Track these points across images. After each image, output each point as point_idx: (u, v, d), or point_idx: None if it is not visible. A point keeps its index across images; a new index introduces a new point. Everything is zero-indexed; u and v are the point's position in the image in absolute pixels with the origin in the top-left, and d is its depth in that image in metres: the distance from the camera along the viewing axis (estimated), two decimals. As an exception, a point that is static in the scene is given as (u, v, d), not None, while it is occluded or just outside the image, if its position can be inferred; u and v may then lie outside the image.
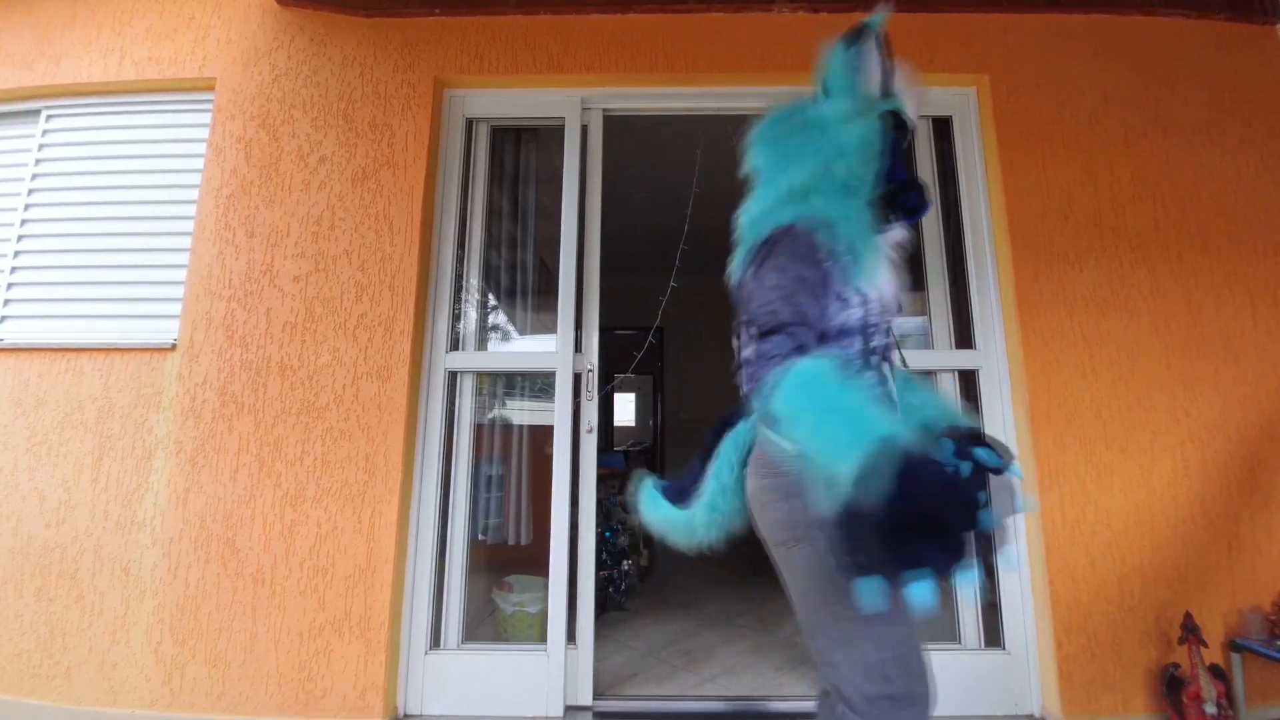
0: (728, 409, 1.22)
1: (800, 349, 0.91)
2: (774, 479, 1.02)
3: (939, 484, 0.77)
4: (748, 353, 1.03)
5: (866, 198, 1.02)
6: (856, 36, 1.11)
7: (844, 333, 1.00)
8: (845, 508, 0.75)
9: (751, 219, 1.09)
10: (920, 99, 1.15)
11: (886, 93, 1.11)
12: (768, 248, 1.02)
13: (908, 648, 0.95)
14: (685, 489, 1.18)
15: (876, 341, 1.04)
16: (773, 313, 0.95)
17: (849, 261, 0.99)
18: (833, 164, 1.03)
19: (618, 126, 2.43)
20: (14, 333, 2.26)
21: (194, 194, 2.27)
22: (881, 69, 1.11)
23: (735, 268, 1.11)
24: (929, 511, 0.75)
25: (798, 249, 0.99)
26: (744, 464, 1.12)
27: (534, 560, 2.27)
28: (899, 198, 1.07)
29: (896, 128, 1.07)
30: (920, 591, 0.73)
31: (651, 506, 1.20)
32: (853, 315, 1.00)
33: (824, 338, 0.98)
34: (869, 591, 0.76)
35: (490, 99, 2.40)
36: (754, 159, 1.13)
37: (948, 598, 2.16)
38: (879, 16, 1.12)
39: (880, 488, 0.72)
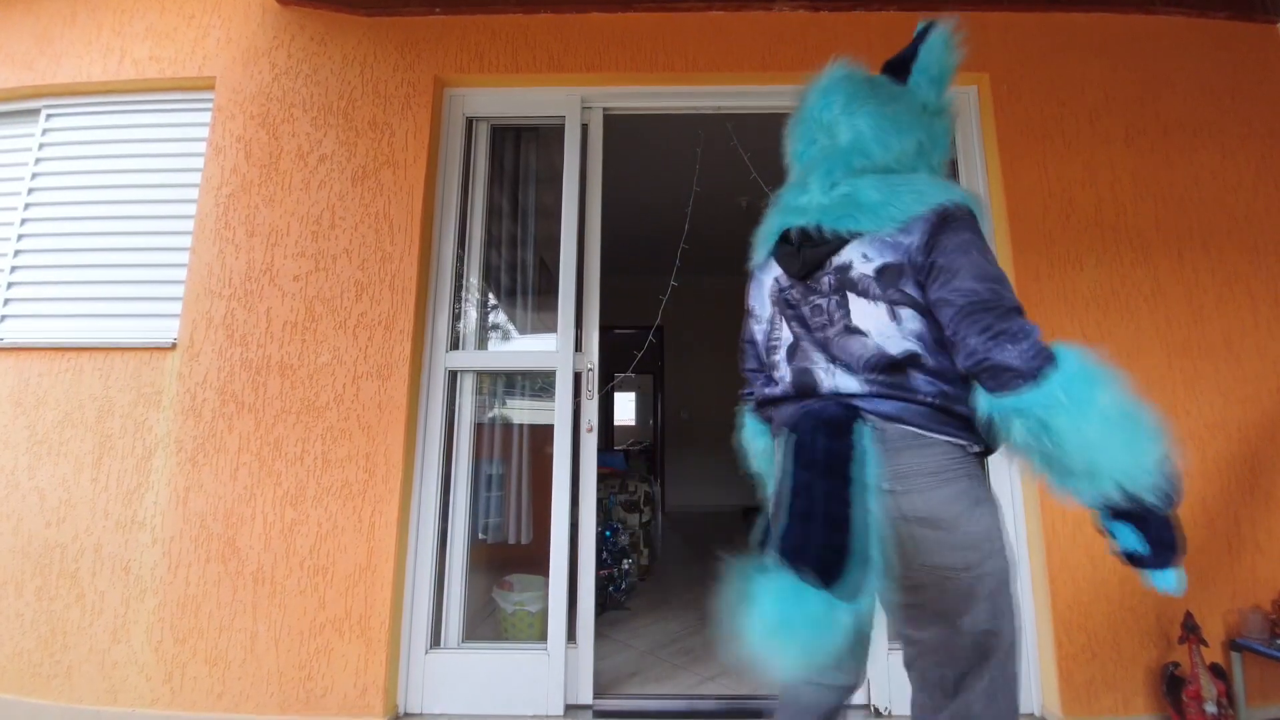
0: (815, 409, 0.93)
1: (1039, 332, 0.84)
2: (961, 484, 0.87)
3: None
4: (924, 355, 0.89)
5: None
6: (924, 33, 1.08)
7: None
8: (1162, 503, 0.79)
9: (873, 184, 0.96)
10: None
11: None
12: (954, 221, 0.91)
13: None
14: (824, 554, 0.79)
15: None
16: (998, 291, 0.86)
17: None
18: (927, 148, 1.02)
19: (618, 125, 2.42)
20: (14, 332, 2.26)
21: (194, 193, 2.27)
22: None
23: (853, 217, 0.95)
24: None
25: (980, 232, 0.93)
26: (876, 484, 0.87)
27: (534, 559, 2.27)
28: None
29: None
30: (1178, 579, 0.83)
31: (797, 613, 0.75)
32: None
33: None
34: (1183, 581, 0.84)
35: (490, 98, 2.40)
36: (856, 110, 1.01)
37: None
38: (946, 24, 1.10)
39: (1174, 487, 0.79)
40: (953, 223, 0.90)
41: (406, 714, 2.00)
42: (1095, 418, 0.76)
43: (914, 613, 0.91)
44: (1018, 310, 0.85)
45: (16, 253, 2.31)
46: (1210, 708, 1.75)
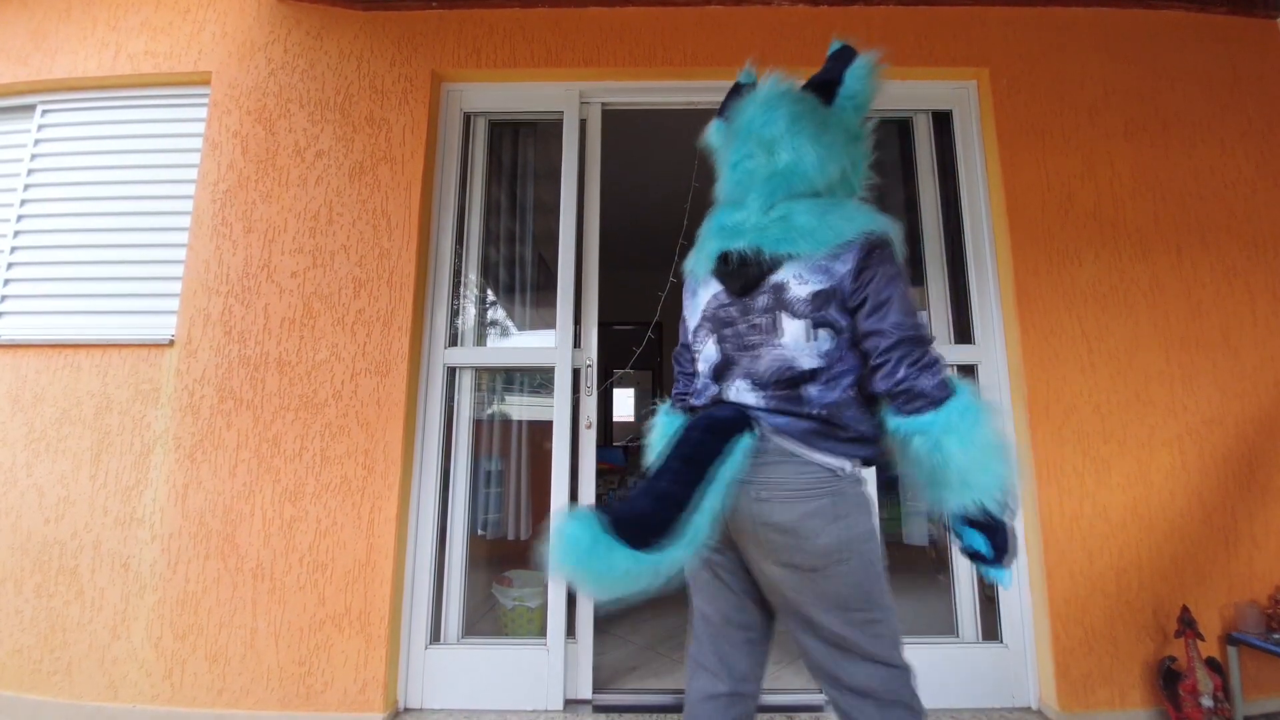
0: (717, 413, 1.02)
1: (946, 375, 0.96)
2: (820, 502, 0.96)
3: None
4: (831, 373, 0.99)
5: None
6: (873, 57, 1.12)
7: None
8: (1006, 517, 0.94)
9: (809, 209, 1.01)
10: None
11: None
12: (875, 251, 0.98)
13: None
14: (651, 522, 0.89)
15: None
16: (921, 326, 0.98)
17: None
18: (849, 174, 1.07)
19: (616, 121, 2.42)
20: (12, 329, 2.25)
21: (190, 189, 2.26)
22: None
23: (776, 245, 1.02)
24: None
25: (900, 264, 1.02)
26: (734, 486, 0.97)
27: (534, 555, 2.27)
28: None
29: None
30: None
31: (599, 556, 0.85)
32: None
33: None
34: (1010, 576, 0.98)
35: (488, 93, 2.39)
36: (799, 132, 1.04)
37: (944, 593, 2.17)
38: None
39: (1015, 505, 0.95)
40: (879, 252, 0.98)
41: (406, 709, 2.00)
42: (975, 443, 0.90)
43: (779, 606, 1.05)
44: (932, 341, 0.98)
45: (13, 249, 2.31)
46: (1206, 701, 1.76)
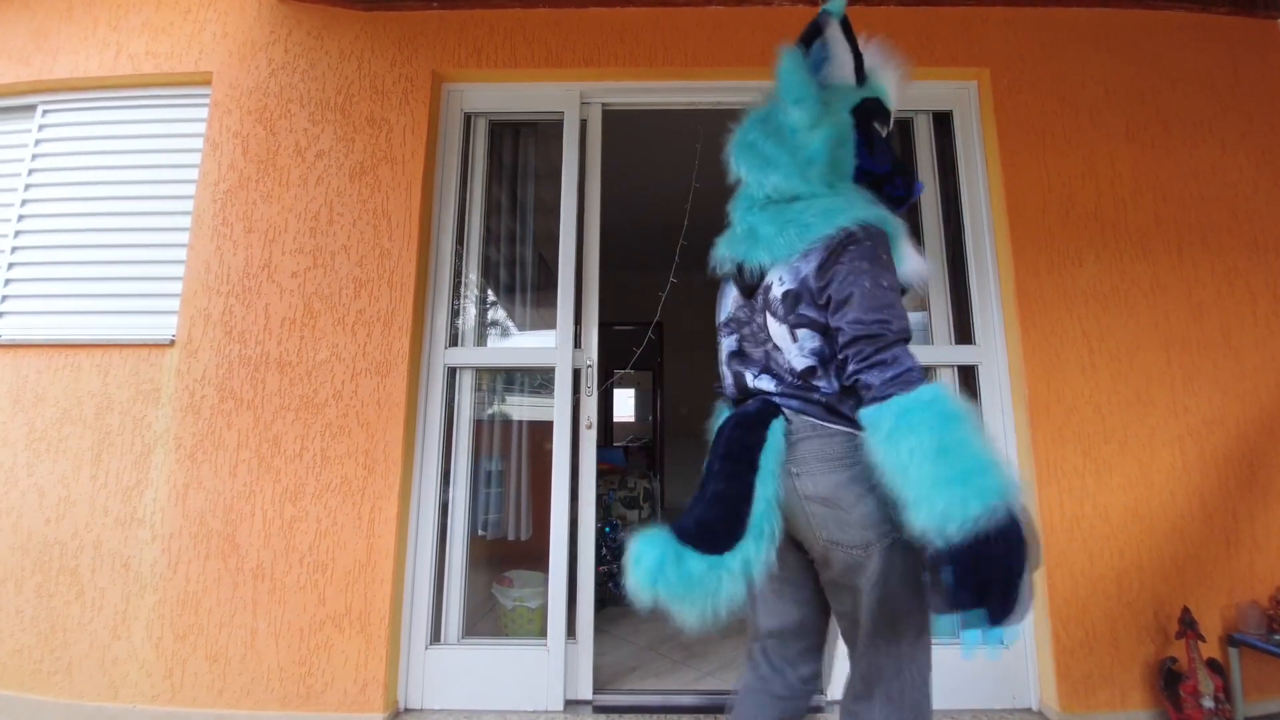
0: (746, 409, 1.03)
1: (917, 369, 0.89)
2: (852, 471, 0.93)
3: (1029, 544, 0.80)
4: (834, 358, 0.97)
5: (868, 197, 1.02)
6: (815, 32, 1.12)
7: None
8: (967, 547, 0.77)
9: (766, 218, 1.04)
10: (901, 77, 1.13)
11: (861, 78, 1.12)
12: (853, 246, 0.94)
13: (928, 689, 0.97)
14: (712, 524, 0.91)
15: None
16: (885, 323, 0.90)
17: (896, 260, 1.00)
18: (806, 171, 1.02)
19: (617, 121, 2.42)
20: (12, 329, 2.25)
21: (191, 189, 2.26)
22: (853, 55, 1.12)
23: (757, 264, 1.05)
24: (1022, 566, 0.79)
25: (884, 252, 0.96)
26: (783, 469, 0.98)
27: (534, 555, 2.27)
28: (885, 188, 1.07)
29: (874, 114, 1.08)
30: (1013, 635, 0.79)
31: (673, 568, 0.86)
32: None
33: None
34: (976, 622, 0.79)
35: (488, 93, 2.39)
36: (736, 163, 1.10)
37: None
38: (836, 9, 1.11)
39: (1004, 538, 0.76)
40: (851, 247, 0.94)
41: (407, 709, 2.00)
42: (908, 449, 0.80)
43: (829, 587, 1.02)
44: (899, 342, 0.91)
45: (14, 249, 2.31)
46: (1207, 703, 1.76)
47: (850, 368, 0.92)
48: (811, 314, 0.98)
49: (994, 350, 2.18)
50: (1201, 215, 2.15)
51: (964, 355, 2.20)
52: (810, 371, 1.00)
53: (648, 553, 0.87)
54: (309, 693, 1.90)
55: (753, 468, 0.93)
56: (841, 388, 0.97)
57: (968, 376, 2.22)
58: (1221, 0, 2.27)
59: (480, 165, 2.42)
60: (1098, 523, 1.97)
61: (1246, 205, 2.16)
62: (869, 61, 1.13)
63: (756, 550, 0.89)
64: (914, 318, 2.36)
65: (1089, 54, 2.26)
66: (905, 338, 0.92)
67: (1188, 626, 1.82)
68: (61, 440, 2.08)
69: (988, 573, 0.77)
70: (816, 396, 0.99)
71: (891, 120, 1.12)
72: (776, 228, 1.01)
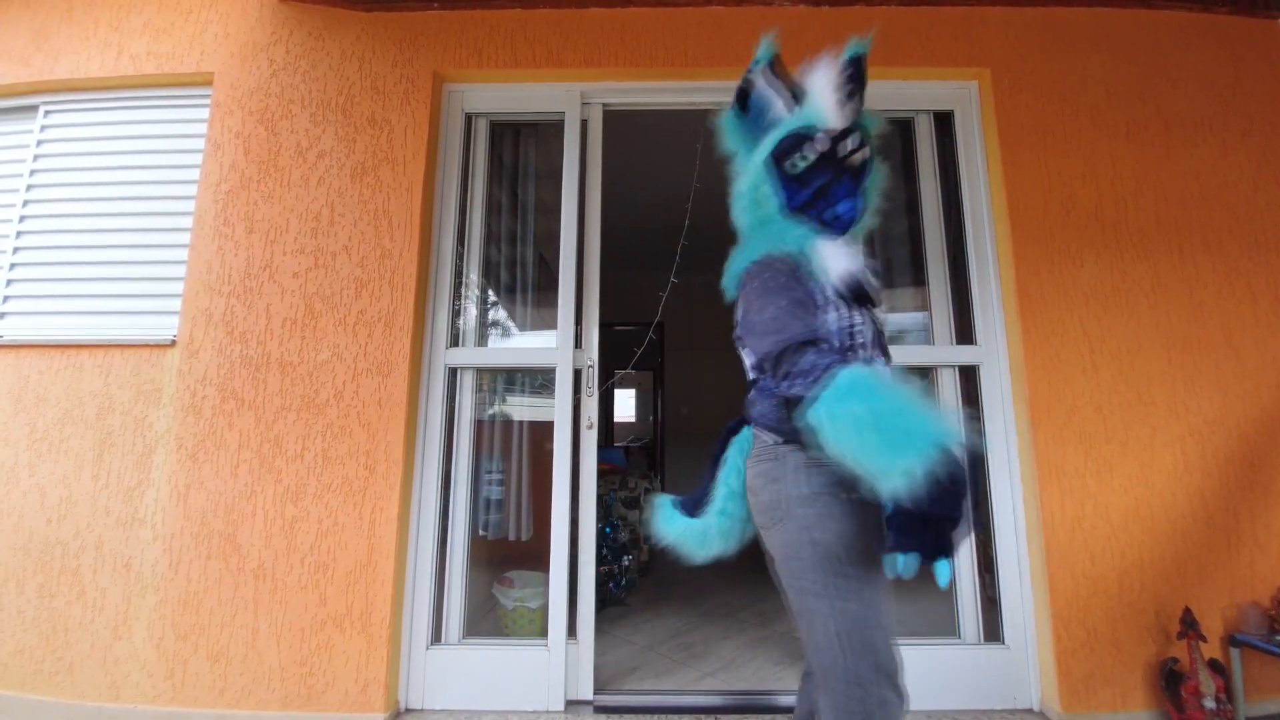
0: (734, 418, 1.30)
1: (835, 361, 0.95)
2: (761, 465, 1.12)
3: (966, 485, 0.88)
4: (762, 379, 1.14)
5: (789, 226, 1.12)
6: (744, 91, 1.22)
7: (838, 337, 1.07)
8: (907, 499, 0.84)
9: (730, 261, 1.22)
10: (832, 80, 1.11)
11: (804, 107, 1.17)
12: (750, 281, 1.09)
13: (878, 630, 1.00)
14: (699, 500, 1.27)
15: (861, 339, 1.09)
16: (780, 341, 1.01)
17: (819, 273, 1.07)
18: (744, 215, 1.19)
19: (617, 121, 2.42)
20: (14, 329, 2.26)
21: (193, 189, 2.27)
22: (788, 90, 1.17)
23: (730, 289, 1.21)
24: (959, 506, 0.87)
25: (779, 276, 1.06)
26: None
27: (534, 555, 2.27)
28: (810, 214, 1.13)
29: (787, 153, 1.12)
30: (947, 571, 0.90)
31: (667, 521, 1.26)
32: (831, 321, 1.06)
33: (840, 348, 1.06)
34: (909, 567, 0.88)
35: (489, 94, 2.39)
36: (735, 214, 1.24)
37: (946, 594, 2.16)
38: (762, 57, 1.19)
39: (938, 484, 0.83)
40: (750, 282, 1.10)
41: (408, 710, 2.00)
42: (847, 433, 0.87)
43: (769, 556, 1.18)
44: (801, 347, 0.99)
45: (15, 250, 2.31)
46: (1209, 703, 1.75)
47: (774, 386, 1.04)
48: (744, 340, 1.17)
49: (995, 350, 2.18)
50: (1202, 215, 2.15)
51: (965, 355, 2.20)
52: (753, 383, 1.18)
53: (658, 512, 1.29)
54: (310, 693, 1.90)
55: (716, 464, 1.27)
56: (759, 396, 1.14)
57: (969, 376, 2.22)
58: (1221, 0, 2.27)
59: (481, 165, 2.42)
60: (1099, 523, 1.97)
61: (1247, 205, 2.16)
62: (805, 88, 1.17)
63: (718, 520, 1.22)
64: (914, 318, 2.36)
65: (1089, 54, 2.26)
66: (806, 340, 1.00)
67: (1189, 627, 1.82)
68: (63, 440, 2.08)
69: (930, 516, 0.86)
70: (751, 402, 1.17)
71: (820, 137, 1.12)
72: (728, 264, 1.20)
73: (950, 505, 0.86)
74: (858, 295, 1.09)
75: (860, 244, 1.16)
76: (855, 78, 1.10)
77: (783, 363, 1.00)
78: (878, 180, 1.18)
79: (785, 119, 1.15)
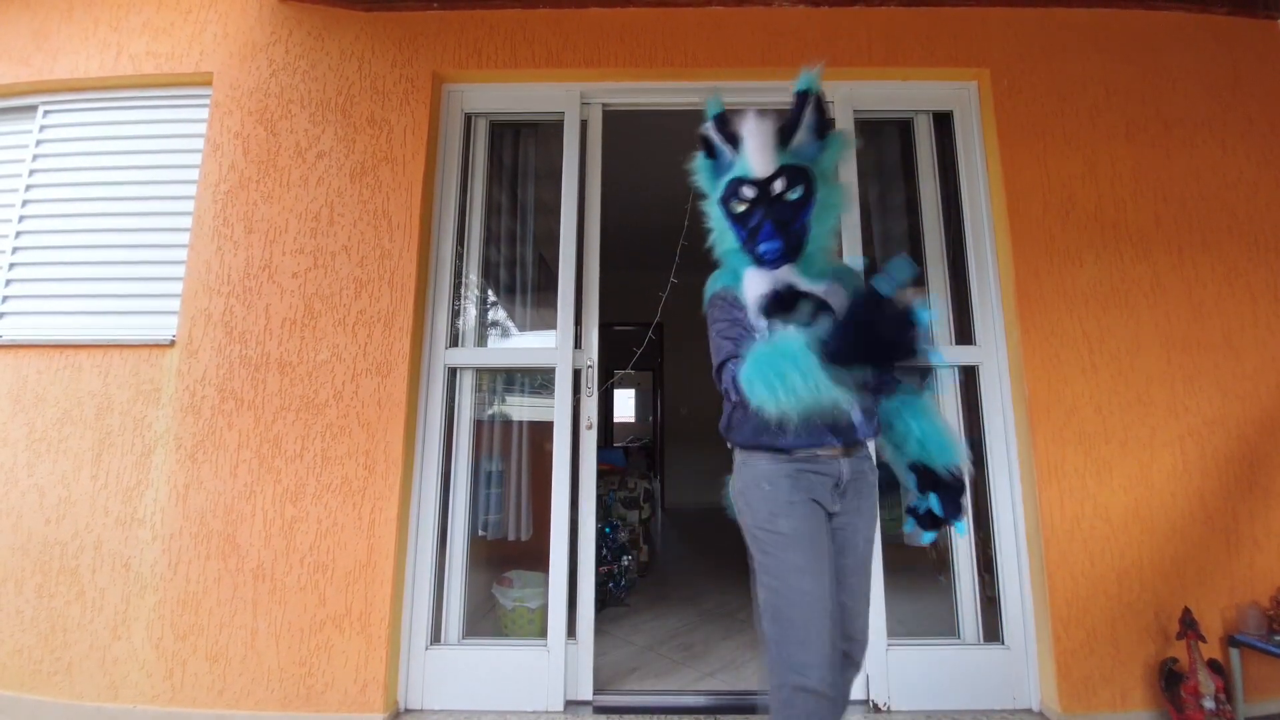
0: None
1: (735, 359, 1.14)
2: (736, 467, 1.30)
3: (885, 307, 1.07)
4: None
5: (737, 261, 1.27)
6: (705, 144, 1.28)
7: None
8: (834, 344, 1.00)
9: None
10: (754, 132, 1.19)
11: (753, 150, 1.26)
12: (710, 311, 1.26)
13: (797, 621, 1.15)
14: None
15: None
16: (721, 356, 1.18)
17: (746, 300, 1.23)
18: (718, 245, 1.30)
19: (617, 121, 2.42)
20: (13, 329, 2.25)
21: (192, 190, 2.26)
22: (731, 145, 1.24)
23: None
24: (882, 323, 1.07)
25: (724, 306, 1.24)
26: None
27: (534, 556, 2.27)
28: (755, 252, 1.23)
29: (729, 198, 1.23)
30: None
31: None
32: (756, 339, 1.21)
33: None
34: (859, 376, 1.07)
35: (489, 94, 2.39)
36: None
37: (945, 595, 2.16)
38: (709, 114, 1.25)
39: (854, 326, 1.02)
40: (710, 310, 1.27)
41: (407, 710, 2.00)
42: (780, 382, 1.00)
43: None
44: (726, 362, 1.16)
45: (15, 250, 2.31)
46: (1208, 703, 1.75)
47: (728, 400, 1.21)
48: None
49: (994, 351, 2.18)
50: (1202, 216, 2.15)
51: (965, 355, 2.20)
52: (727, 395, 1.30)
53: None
54: (309, 693, 1.90)
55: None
56: (728, 409, 1.29)
57: (969, 377, 2.22)
58: (1221, 0, 2.27)
59: (481, 166, 2.42)
60: (1098, 523, 1.97)
61: (1246, 205, 2.16)
62: (753, 139, 1.23)
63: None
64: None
65: (1089, 54, 2.26)
66: (731, 355, 1.16)
67: (1188, 627, 1.82)
68: (62, 440, 2.08)
69: (869, 335, 1.06)
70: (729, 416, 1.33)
71: (746, 187, 1.22)
72: (704, 291, 1.32)
73: (870, 318, 1.04)
74: (786, 310, 1.17)
75: (801, 268, 1.23)
76: (798, 112, 1.19)
77: (721, 378, 1.17)
78: (836, 198, 1.24)
79: (731, 165, 1.25)
